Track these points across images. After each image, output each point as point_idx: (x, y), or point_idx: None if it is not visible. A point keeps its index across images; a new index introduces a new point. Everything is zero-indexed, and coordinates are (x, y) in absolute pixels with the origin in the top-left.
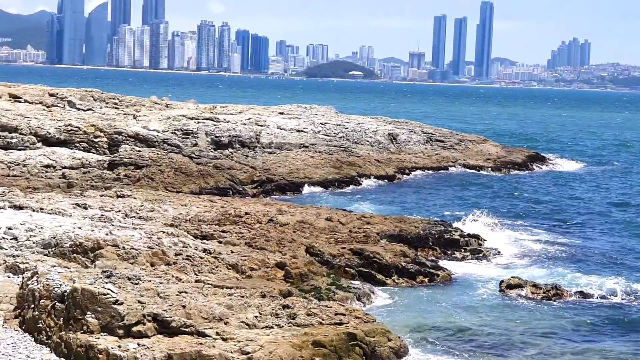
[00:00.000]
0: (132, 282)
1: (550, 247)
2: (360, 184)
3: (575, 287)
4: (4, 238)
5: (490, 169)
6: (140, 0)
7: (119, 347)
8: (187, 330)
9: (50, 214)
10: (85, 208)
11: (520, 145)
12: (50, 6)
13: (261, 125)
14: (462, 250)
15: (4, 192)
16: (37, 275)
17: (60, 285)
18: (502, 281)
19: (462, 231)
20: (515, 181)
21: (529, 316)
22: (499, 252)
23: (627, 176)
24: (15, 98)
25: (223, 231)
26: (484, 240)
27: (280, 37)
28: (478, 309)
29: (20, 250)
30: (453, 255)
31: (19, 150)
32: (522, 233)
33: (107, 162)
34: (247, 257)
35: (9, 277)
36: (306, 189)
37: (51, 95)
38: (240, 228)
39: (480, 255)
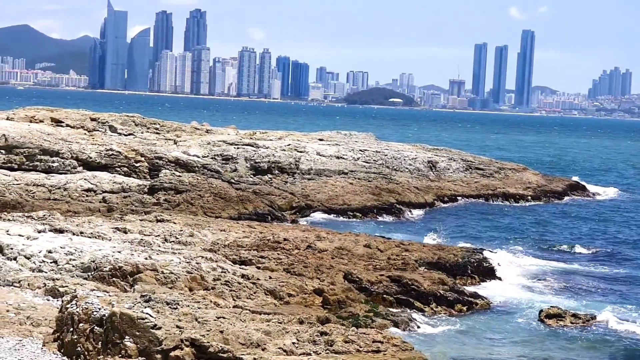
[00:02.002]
0: (170, 307)
1: (589, 276)
2: (400, 212)
3: (614, 317)
4: (44, 261)
5: (530, 197)
6: (182, 26)
7: None
8: (224, 355)
9: (90, 237)
10: (125, 232)
11: (559, 174)
12: (93, 31)
13: (300, 152)
14: (500, 278)
15: (44, 215)
16: (76, 298)
17: (99, 309)
18: (541, 310)
19: (501, 259)
20: (555, 210)
21: (569, 347)
22: (537, 280)
23: None
24: (57, 122)
25: (261, 257)
26: (523, 268)
27: (321, 64)
28: (517, 339)
29: (60, 273)
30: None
31: (60, 174)
32: (561, 262)
33: (148, 187)
34: (285, 283)
35: (48, 300)
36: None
37: (93, 119)
38: (278, 254)
39: (519, 283)
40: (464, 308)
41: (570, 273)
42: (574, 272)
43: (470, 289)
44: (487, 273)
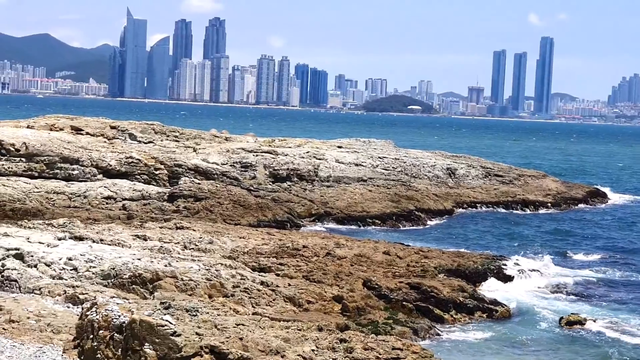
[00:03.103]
0: (190, 314)
1: (609, 283)
2: (419, 219)
3: (634, 323)
4: (64, 269)
5: (550, 204)
6: (201, 34)
7: None
8: None
9: (110, 245)
10: (145, 239)
11: (579, 181)
12: (113, 40)
13: (319, 159)
14: (520, 285)
15: (64, 223)
16: (96, 306)
17: (119, 316)
18: (561, 317)
19: (520, 266)
20: (575, 217)
21: (590, 354)
22: (557, 287)
23: None
24: (77, 130)
25: (281, 264)
26: (542, 275)
27: (339, 71)
28: (538, 346)
29: (80, 280)
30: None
31: (80, 181)
32: (580, 269)
33: (167, 194)
34: (304, 290)
35: (68, 307)
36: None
37: (112, 127)
38: (297, 261)
39: (538, 290)
40: (484, 315)
41: (589, 280)
42: (594, 279)
43: (490, 296)
44: (507, 279)
